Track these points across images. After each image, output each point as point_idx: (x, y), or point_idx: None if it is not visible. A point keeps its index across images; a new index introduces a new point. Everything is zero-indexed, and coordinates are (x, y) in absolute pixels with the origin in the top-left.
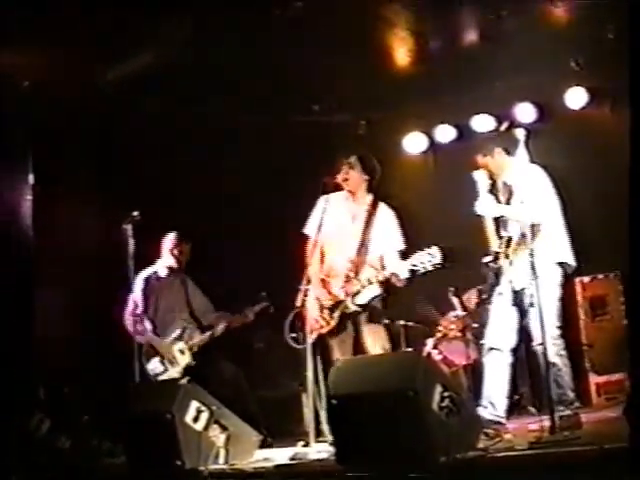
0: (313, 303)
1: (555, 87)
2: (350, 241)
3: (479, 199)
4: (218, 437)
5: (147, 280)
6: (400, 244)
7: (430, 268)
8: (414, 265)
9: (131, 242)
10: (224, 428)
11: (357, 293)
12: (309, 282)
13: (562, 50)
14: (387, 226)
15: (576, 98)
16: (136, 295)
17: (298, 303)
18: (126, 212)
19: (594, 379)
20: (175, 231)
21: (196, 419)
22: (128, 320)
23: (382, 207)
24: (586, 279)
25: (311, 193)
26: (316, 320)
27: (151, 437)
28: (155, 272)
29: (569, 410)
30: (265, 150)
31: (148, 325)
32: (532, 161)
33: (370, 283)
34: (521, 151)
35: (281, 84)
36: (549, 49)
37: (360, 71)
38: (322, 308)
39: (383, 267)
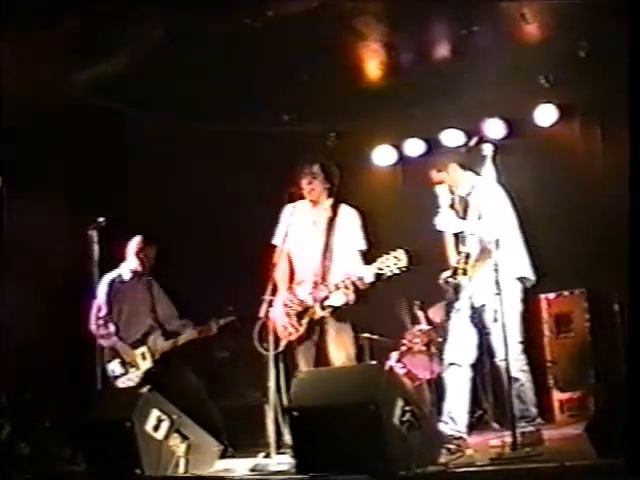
0: (281, 311)
1: (525, 103)
2: (314, 247)
3: (440, 214)
4: (178, 446)
5: (111, 284)
6: (362, 244)
7: (396, 271)
8: (380, 269)
9: (96, 248)
10: (185, 437)
11: (325, 298)
12: (275, 292)
13: (533, 66)
14: (349, 226)
15: (546, 115)
16: (100, 299)
17: (262, 314)
18: (92, 218)
19: (557, 396)
20: (140, 235)
21: (157, 428)
22: (92, 324)
23: (343, 208)
24: (551, 296)
25: (279, 203)
26: (284, 327)
27: (111, 445)
28: (119, 275)
29: (531, 426)
30: (233, 159)
31: (112, 328)
32: (491, 178)
33: (337, 288)
34: (488, 167)
35: (251, 93)
36: (520, 65)
37: (331, 83)
38: (290, 315)
39: (349, 271)
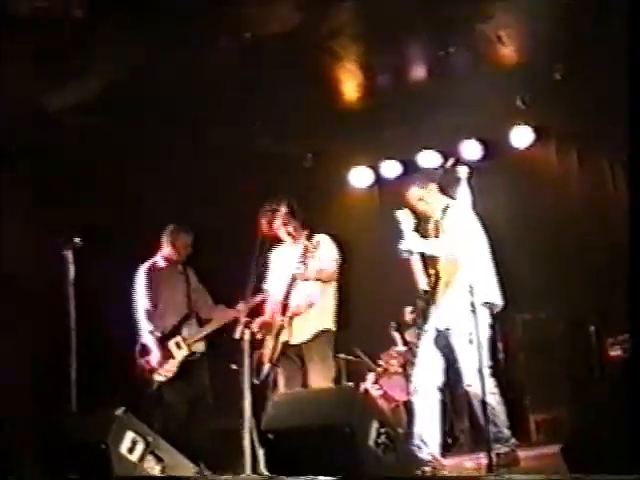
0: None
1: (501, 125)
2: (286, 272)
3: (404, 238)
4: (153, 468)
5: (148, 272)
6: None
7: None
8: None
9: (71, 268)
10: (159, 459)
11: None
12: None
13: (509, 88)
14: (324, 255)
15: (522, 137)
16: (141, 290)
17: (237, 335)
18: (66, 238)
19: (534, 417)
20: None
21: (131, 450)
22: (143, 317)
23: (320, 238)
24: (527, 317)
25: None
26: (262, 351)
27: (86, 468)
28: (154, 263)
29: (506, 447)
30: (207, 179)
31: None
32: (465, 201)
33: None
34: (463, 189)
35: (228, 113)
36: (496, 87)
37: (308, 103)
38: (266, 338)
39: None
